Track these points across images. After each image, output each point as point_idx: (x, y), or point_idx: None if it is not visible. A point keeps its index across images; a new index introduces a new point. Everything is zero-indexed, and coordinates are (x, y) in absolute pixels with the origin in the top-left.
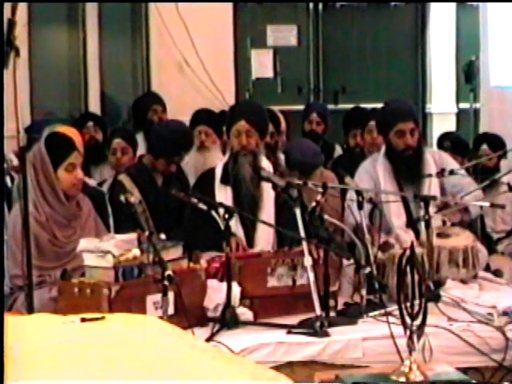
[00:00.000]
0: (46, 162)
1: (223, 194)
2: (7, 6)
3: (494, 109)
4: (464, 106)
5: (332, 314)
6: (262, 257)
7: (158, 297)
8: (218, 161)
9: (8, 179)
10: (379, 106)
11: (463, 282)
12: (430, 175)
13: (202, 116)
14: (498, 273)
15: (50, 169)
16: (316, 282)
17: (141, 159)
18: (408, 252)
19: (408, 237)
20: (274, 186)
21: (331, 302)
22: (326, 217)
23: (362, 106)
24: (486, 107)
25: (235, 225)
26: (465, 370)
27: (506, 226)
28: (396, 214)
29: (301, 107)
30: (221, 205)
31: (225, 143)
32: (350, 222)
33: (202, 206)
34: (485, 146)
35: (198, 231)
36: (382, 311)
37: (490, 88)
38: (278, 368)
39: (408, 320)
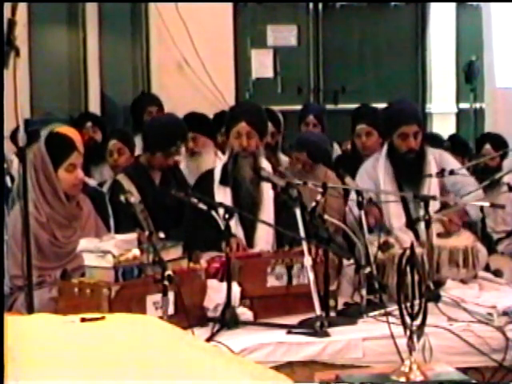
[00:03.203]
0: (46, 162)
1: (222, 195)
2: (7, 6)
3: (498, 109)
4: (464, 106)
5: (332, 314)
6: (261, 257)
7: (158, 297)
8: (211, 164)
9: (8, 179)
10: (379, 106)
11: (463, 282)
12: (430, 175)
13: (189, 122)
14: (498, 273)
15: (50, 169)
16: (316, 281)
17: (138, 159)
18: (408, 252)
19: (408, 238)
20: (274, 186)
21: (331, 302)
22: (326, 217)
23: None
24: (491, 108)
25: (235, 225)
26: (465, 370)
27: (507, 226)
28: (396, 216)
29: (300, 107)
30: (221, 205)
31: (221, 144)
32: (349, 221)
33: (201, 206)
34: (488, 146)
35: (198, 231)
36: (382, 311)
37: (494, 88)
38: (278, 368)
39: (408, 320)
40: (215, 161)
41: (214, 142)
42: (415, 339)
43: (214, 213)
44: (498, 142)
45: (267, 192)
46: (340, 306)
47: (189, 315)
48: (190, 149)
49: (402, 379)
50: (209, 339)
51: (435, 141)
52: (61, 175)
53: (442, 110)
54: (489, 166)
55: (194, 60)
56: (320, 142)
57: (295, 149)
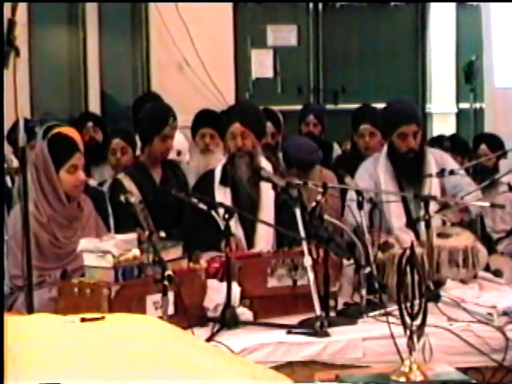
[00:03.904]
0: (47, 162)
1: (222, 196)
2: (7, 6)
3: (498, 110)
4: (464, 106)
5: (332, 314)
6: (261, 257)
7: (157, 297)
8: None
9: (8, 179)
10: (379, 106)
11: (463, 282)
12: (430, 175)
13: (205, 118)
14: (498, 273)
15: (51, 170)
16: (316, 282)
17: (138, 158)
18: (408, 252)
19: (408, 237)
20: (274, 186)
21: (331, 302)
22: (326, 217)
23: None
24: (491, 108)
25: (235, 226)
26: (465, 370)
27: (506, 225)
28: (396, 215)
29: (300, 107)
30: (221, 205)
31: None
32: (350, 222)
33: (202, 206)
34: (483, 146)
35: (197, 231)
36: (382, 311)
37: (494, 89)
38: (278, 368)
39: (408, 320)
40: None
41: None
42: (415, 339)
43: (213, 213)
44: (493, 142)
45: (267, 192)
46: (340, 306)
47: (189, 315)
48: (206, 144)
49: (402, 379)
50: (209, 339)
51: (437, 141)
52: (62, 176)
53: (442, 110)
54: (485, 166)
55: (194, 60)
56: (306, 155)
57: (285, 165)
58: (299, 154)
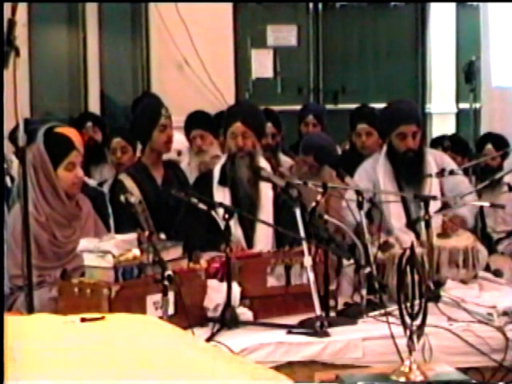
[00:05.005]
0: (45, 161)
1: (221, 196)
2: (7, 6)
3: (495, 109)
4: (464, 106)
5: (332, 314)
6: (261, 257)
7: (157, 297)
8: (218, 161)
9: (8, 179)
10: (379, 106)
11: (463, 282)
12: (429, 175)
13: (196, 120)
14: (497, 273)
15: (49, 168)
16: (316, 281)
17: (140, 159)
18: (408, 252)
19: (408, 238)
20: (274, 187)
21: (331, 302)
22: (326, 217)
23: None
24: (488, 107)
25: (234, 226)
26: (465, 370)
27: (507, 226)
28: (396, 216)
29: (301, 107)
30: (221, 205)
31: (223, 144)
32: (349, 221)
33: (201, 206)
34: (489, 146)
35: (193, 232)
36: (382, 311)
37: (491, 88)
38: (278, 368)
39: (408, 320)
40: (221, 159)
41: (218, 140)
42: (415, 339)
43: (213, 213)
44: (499, 141)
45: (266, 192)
46: (340, 306)
47: (189, 315)
48: (198, 146)
49: (402, 379)
50: (209, 339)
51: (437, 142)
52: (60, 174)
53: (442, 110)
54: (490, 166)
55: (194, 60)
56: (327, 145)
57: (302, 152)
58: (319, 141)
